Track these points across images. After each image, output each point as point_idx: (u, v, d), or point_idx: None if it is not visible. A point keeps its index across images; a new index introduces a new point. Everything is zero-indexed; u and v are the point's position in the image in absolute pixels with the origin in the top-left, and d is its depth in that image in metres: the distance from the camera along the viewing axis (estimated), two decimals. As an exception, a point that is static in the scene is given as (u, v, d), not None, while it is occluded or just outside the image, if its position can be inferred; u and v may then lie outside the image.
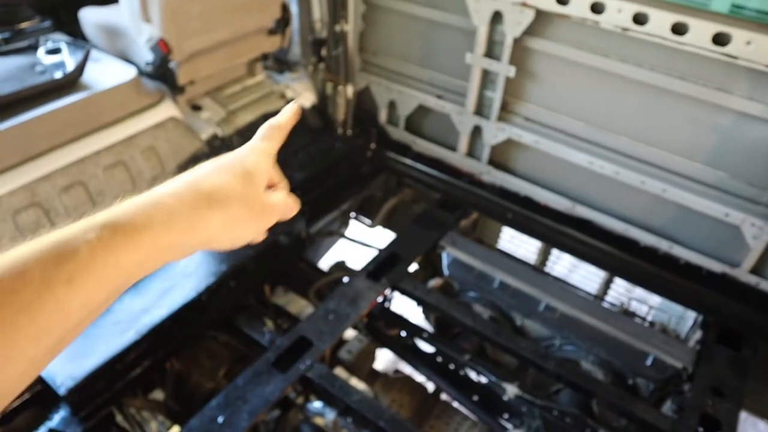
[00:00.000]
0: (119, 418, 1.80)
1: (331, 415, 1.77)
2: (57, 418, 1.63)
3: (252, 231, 0.69)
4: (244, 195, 0.66)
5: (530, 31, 2.15)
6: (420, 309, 2.58)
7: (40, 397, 1.67)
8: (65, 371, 1.63)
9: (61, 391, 1.59)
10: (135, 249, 0.52)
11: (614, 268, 2.41)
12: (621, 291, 2.95)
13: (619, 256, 2.31)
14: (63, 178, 1.97)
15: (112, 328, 1.78)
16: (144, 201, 0.56)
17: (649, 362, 2.01)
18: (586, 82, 2.17)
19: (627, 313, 2.43)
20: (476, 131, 2.51)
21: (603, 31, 1.99)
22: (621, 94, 2.12)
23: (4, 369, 0.43)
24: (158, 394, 2.03)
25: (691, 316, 2.39)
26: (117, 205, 0.55)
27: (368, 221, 3.01)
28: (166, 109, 2.29)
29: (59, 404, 1.65)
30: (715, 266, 2.17)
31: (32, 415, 1.68)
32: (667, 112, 2.05)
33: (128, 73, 2.21)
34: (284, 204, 0.73)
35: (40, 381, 1.64)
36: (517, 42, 2.19)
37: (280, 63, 2.89)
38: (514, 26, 2.15)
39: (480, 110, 2.46)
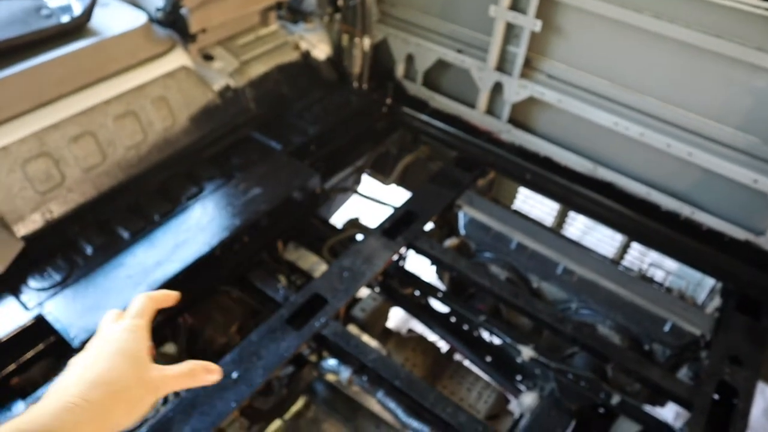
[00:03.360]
0: (133, 371, 1.79)
1: (345, 373, 1.76)
2: (71, 369, 1.62)
3: (147, 406, 0.80)
4: (138, 378, 0.79)
5: (559, -18, 2.05)
6: (433, 269, 2.55)
7: (54, 348, 1.66)
8: (79, 324, 1.61)
9: (75, 343, 1.57)
10: None
11: (633, 232, 2.36)
12: (636, 255, 2.92)
13: (640, 220, 2.26)
14: (72, 128, 1.92)
15: (125, 282, 1.75)
16: (55, 406, 0.70)
17: (667, 328, 1.98)
18: (616, 38, 2.07)
19: (645, 279, 2.39)
20: (497, 88, 2.43)
21: (638, -17, 1.89)
22: (652, 53, 2.03)
23: None
24: (170, 348, 2.03)
25: (708, 283, 2.35)
26: (34, 412, 0.68)
27: (382, 178, 2.95)
28: (178, 58, 2.21)
29: (73, 356, 1.64)
30: (739, 233, 2.12)
31: (47, 365, 1.67)
32: (699, 72, 1.96)
33: (138, 19, 2.12)
34: (185, 376, 0.84)
35: (53, 333, 1.63)
36: (545, -6, 2.09)
37: (294, 13, 2.77)
38: (542, -24, 2.04)
39: (502, 66, 2.37)
